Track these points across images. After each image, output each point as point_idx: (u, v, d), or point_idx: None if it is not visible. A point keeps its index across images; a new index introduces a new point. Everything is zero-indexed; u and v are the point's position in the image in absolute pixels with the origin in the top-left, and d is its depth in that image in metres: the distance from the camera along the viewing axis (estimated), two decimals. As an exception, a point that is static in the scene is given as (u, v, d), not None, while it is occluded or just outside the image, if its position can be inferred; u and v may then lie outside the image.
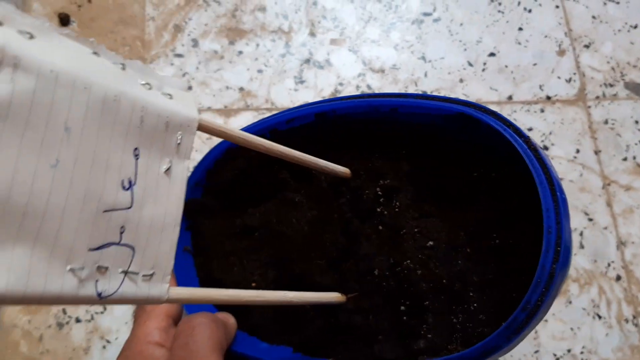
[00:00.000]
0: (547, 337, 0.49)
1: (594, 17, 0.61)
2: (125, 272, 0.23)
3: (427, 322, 0.34)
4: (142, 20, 0.59)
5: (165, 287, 0.25)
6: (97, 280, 0.22)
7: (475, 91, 0.57)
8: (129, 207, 0.23)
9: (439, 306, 0.35)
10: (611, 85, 0.58)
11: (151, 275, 0.24)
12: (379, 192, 0.38)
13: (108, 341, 0.48)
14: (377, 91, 0.57)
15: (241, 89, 0.56)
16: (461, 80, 0.57)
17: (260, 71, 0.57)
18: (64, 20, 0.57)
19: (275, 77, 0.57)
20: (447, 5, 0.61)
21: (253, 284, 0.39)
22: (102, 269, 0.22)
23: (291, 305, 0.37)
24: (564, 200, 0.31)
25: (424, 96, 0.37)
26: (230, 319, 0.36)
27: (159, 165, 0.24)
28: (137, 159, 0.23)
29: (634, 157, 0.55)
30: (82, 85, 0.20)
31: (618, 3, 0.62)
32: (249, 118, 0.55)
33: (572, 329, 0.49)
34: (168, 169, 0.25)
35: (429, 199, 0.38)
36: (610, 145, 0.56)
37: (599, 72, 0.58)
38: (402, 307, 0.36)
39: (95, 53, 0.22)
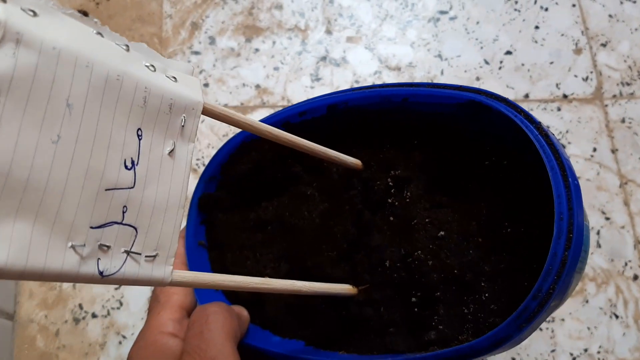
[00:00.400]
0: (563, 336, 0.49)
1: (610, 15, 0.61)
2: (128, 252, 0.23)
3: (438, 313, 0.34)
4: (159, 18, 0.59)
5: (168, 269, 0.25)
6: (98, 259, 0.22)
7: (491, 89, 0.56)
8: (132, 187, 0.23)
9: (450, 297, 0.34)
10: (628, 84, 0.58)
11: (154, 256, 0.24)
12: (390, 183, 0.38)
13: (124, 336, 0.48)
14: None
15: (257, 86, 0.57)
16: (477, 79, 0.57)
17: (276, 68, 0.58)
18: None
19: (292, 74, 0.57)
20: (464, 4, 0.61)
21: (265, 277, 0.39)
22: (104, 248, 0.22)
23: (301, 295, 0.37)
24: (577, 186, 0.30)
25: (435, 85, 0.37)
26: (243, 312, 0.36)
27: (162, 146, 0.24)
28: (140, 139, 0.23)
29: (652, 156, 0.55)
30: (85, 62, 0.20)
31: (635, 2, 0.61)
32: (265, 115, 0.55)
33: (588, 328, 0.49)
34: (172, 151, 0.25)
35: (440, 189, 0.37)
36: (627, 144, 0.55)
37: (616, 71, 0.58)
38: (413, 299, 0.35)
39: (99, 33, 0.22)
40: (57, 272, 0.20)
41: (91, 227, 0.21)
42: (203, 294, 0.37)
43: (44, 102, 0.19)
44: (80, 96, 0.20)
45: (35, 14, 0.19)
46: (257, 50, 0.58)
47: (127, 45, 0.23)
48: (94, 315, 0.49)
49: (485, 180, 0.37)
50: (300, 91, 0.57)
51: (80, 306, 0.49)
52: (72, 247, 0.20)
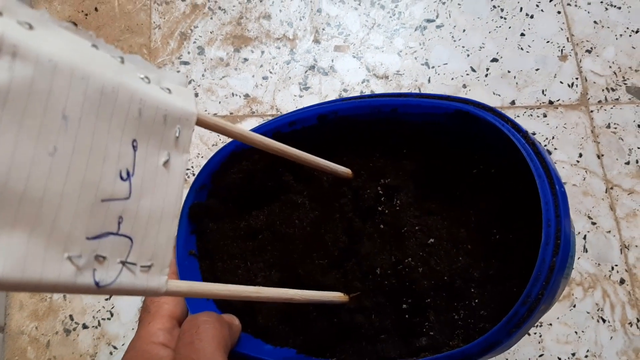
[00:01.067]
0: (551, 340, 0.49)
1: (595, 22, 0.61)
2: (124, 263, 0.23)
3: (428, 320, 0.34)
4: (148, 29, 0.59)
5: (163, 279, 0.25)
6: (94, 270, 0.22)
7: (478, 96, 0.57)
8: (127, 198, 0.23)
9: (440, 303, 0.35)
10: (613, 90, 0.58)
11: (149, 266, 0.24)
12: (380, 192, 0.38)
13: (115, 347, 0.48)
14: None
15: (246, 96, 0.57)
16: (464, 86, 0.58)
17: (265, 78, 0.58)
18: (70, 28, 0.58)
19: (280, 83, 0.58)
20: (450, 12, 0.61)
21: (257, 286, 0.39)
22: (100, 258, 0.22)
23: (293, 303, 0.37)
24: (564, 194, 0.31)
25: (424, 95, 0.37)
26: (235, 321, 0.36)
27: (157, 157, 0.24)
28: (135, 150, 0.23)
29: (637, 161, 0.55)
30: (80, 75, 0.20)
31: (620, 8, 0.62)
32: (254, 124, 0.56)
33: (576, 332, 0.50)
34: (166, 162, 0.25)
35: (429, 197, 0.38)
36: (613, 149, 0.56)
37: (601, 77, 0.59)
38: (404, 305, 0.36)
39: (94, 46, 0.22)
40: (53, 283, 0.20)
41: (87, 238, 0.21)
42: (194, 304, 0.37)
43: (40, 115, 0.19)
44: (76, 108, 0.20)
45: (31, 27, 0.19)
46: (245, 59, 0.59)
47: (122, 57, 0.23)
48: (84, 326, 0.49)
49: (474, 188, 0.37)
50: (289, 100, 0.57)
51: (71, 317, 0.49)
52: (69, 258, 0.20)
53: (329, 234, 0.38)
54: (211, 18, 0.60)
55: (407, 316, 0.36)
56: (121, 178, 0.23)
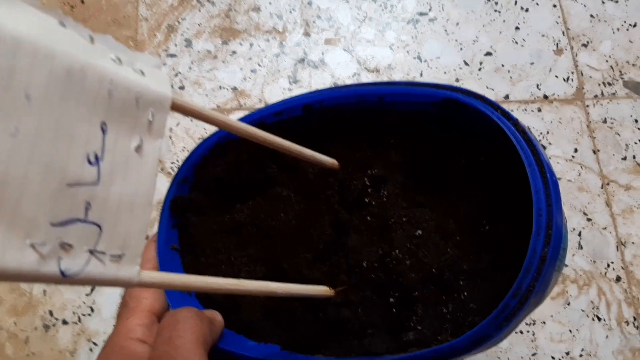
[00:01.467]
0: (545, 339, 0.48)
1: (592, 15, 0.60)
2: (92, 251, 0.22)
3: (416, 314, 0.33)
4: (135, 21, 0.58)
5: (135, 270, 0.24)
6: (60, 258, 0.21)
7: (471, 90, 0.56)
8: (96, 183, 0.22)
9: (428, 296, 0.33)
10: (610, 84, 0.57)
11: (120, 256, 0.23)
12: (367, 183, 0.37)
13: (95, 344, 0.47)
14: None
15: (234, 89, 0.56)
16: (457, 80, 0.57)
17: (253, 71, 0.57)
18: (56, 20, 0.57)
19: (269, 76, 0.57)
20: (443, 5, 0.60)
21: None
22: (65, 246, 0.21)
23: (277, 299, 0.36)
24: (555, 183, 0.30)
25: (411, 83, 0.36)
26: (217, 317, 0.35)
27: (128, 141, 0.23)
28: (104, 133, 0.22)
29: (634, 156, 0.54)
30: (45, 53, 0.19)
31: (617, 2, 0.61)
32: (241, 118, 0.55)
33: (570, 330, 0.48)
34: (139, 147, 0.24)
35: (417, 188, 0.37)
36: (609, 145, 0.55)
37: (598, 71, 0.58)
38: (392, 299, 0.35)
39: (61, 23, 0.21)
40: (15, 272, 0.19)
41: (52, 225, 0.20)
42: (176, 299, 0.36)
43: (1, 93, 0.18)
44: (40, 87, 0.19)
45: None
46: (234, 52, 0.58)
47: (92, 37, 0.22)
48: (64, 322, 0.48)
49: (463, 178, 0.36)
50: (278, 93, 0.56)
51: (51, 312, 0.48)
52: (32, 245, 0.19)
53: (314, 227, 0.37)
54: (199, 10, 0.59)
55: (394, 310, 0.35)
56: (89, 162, 0.22)
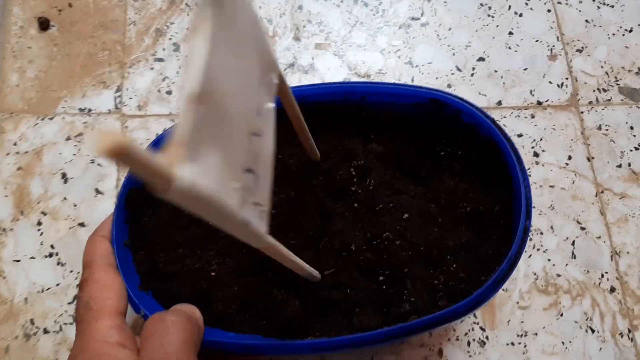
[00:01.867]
0: (536, 351, 0.47)
1: (587, 21, 0.59)
2: (255, 204, 0.23)
3: (407, 288, 0.37)
4: (123, 25, 0.57)
5: (264, 227, 0.24)
6: (252, 206, 0.22)
7: (463, 96, 0.55)
8: (260, 135, 0.24)
9: (418, 272, 0.37)
10: (605, 90, 0.56)
11: (262, 211, 0.24)
12: (353, 172, 0.39)
13: (77, 353, 0.46)
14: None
15: (222, 94, 0.55)
16: (449, 85, 0.56)
17: (242, 76, 0.56)
18: (43, 24, 0.56)
19: (258, 81, 0.56)
20: (436, 10, 0.59)
21: (212, 274, 0.37)
22: (247, 196, 0.22)
23: (250, 290, 0.37)
24: (525, 170, 0.37)
25: (393, 84, 0.39)
26: (196, 313, 0.34)
27: (268, 99, 0.25)
28: (262, 89, 0.24)
29: (629, 164, 0.53)
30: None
31: (612, 7, 0.60)
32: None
33: (563, 342, 0.47)
34: (270, 106, 0.26)
35: (399, 178, 0.40)
36: (603, 152, 0.53)
37: (592, 77, 0.57)
38: (381, 277, 0.37)
39: None
40: (220, 206, 0.19)
41: (243, 171, 0.21)
42: (136, 299, 0.35)
43: (233, 30, 0.20)
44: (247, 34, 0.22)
45: None
46: (222, 57, 0.57)
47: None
48: (45, 331, 0.47)
49: (442, 169, 0.41)
50: (267, 99, 0.55)
51: (32, 321, 0.47)
52: (236, 188, 0.20)
53: (299, 215, 0.38)
54: (188, 14, 0.58)
55: (384, 287, 0.37)
56: (258, 114, 0.23)
